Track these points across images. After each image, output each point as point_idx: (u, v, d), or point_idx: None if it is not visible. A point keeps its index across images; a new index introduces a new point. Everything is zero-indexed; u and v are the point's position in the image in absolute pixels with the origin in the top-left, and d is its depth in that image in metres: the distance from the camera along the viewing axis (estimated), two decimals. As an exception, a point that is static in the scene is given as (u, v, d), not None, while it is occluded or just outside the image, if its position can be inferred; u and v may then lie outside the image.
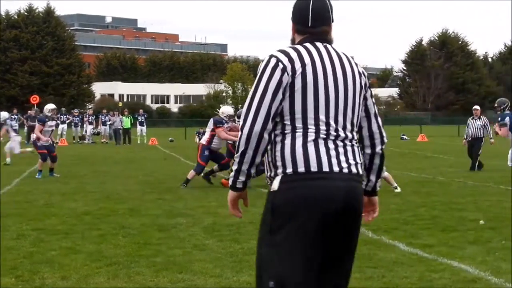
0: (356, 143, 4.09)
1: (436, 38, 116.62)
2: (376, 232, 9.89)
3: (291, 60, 3.96)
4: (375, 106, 4.26)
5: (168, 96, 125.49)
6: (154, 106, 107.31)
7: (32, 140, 19.21)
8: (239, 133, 3.97)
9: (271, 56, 4.00)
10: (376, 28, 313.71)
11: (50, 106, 20.09)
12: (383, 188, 15.69)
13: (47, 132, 19.37)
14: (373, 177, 4.32)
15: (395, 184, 15.37)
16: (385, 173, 15.98)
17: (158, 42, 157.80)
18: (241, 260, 8.16)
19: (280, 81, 3.92)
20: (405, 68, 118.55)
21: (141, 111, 47.75)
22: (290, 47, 4.07)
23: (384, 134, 4.30)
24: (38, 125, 19.46)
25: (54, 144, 19.84)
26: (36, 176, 18.77)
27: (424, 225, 10.62)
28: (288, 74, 3.93)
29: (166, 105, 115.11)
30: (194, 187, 16.22)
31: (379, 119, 4.27)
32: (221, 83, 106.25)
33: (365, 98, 4.18)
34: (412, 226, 10.59)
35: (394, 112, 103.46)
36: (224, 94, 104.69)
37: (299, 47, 4.05)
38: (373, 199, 4.39)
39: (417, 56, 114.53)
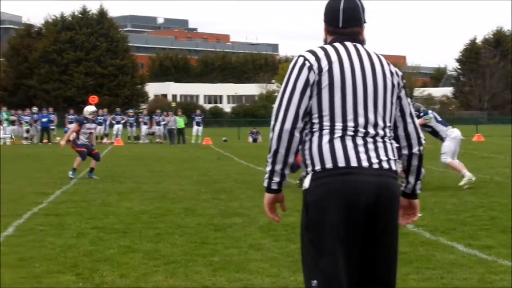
0: (390, 140, 4.05)
1: (491, 36, 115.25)
2: (434, 233, 9.81)
3: (317, 59, 3.99)
4: (410, 106, 4.23)
5: (220, 96, 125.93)
6: (207, 106, 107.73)
7: (71, 138, 19.17)
8: (271, 133, 4.00)
9: (299, 56, 4.05)
10: (429, 27, 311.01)
11: (91, 109, 19.98)
12: (439, 187, 15.62)
13: (84, 134, 19.15)
14: (412, 179, 4.28)
15: (464, 171, 15.48)
16: (456, 161, 16.05)
17: (209, 43, 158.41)
18: (297, 260, 8.14)
19: (307, 80, 3.95)
20: (459, 67, 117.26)
21: (198, 111, 48.00)
22: (318, 46, 4.11)
23: (421, 135, 4.26)
24: (75, 125, 19.48)
25: (94, 145, 19.77)
26: (70, 174, 18.63)
27: (482, 226, 10.49)
28: (314, 72, 3.95)
29: (218, 105, 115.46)
30: (249, 187, 16.25)
31: (415, 119, 4.24)
32: (273, 83, 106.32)
33: (399, 98, 4.16)
34: (470, 227, 10.47)
35: (449, 112, 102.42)
36: (276, 94, 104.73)
37: (327, 46, 4.08)
38: (413, 202, 4.33)
39: (472, 55, 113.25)
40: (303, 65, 3.98)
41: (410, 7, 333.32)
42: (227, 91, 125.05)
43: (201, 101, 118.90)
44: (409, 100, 4.23)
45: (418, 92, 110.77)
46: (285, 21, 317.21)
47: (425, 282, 7.19)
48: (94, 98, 42.02)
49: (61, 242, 9.26)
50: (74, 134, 19.22)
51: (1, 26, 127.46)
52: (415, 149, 4.23)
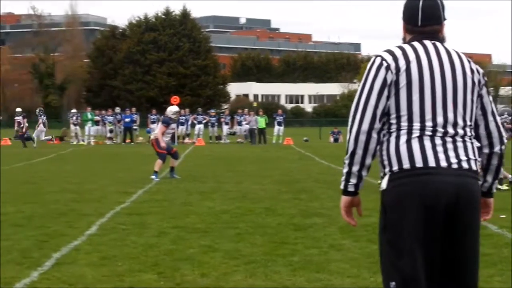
0: (470, 140, 3.97)
1: None
2: (518, 234, 9.60)
3: (395, 58, 3.94)
4: (492, 104, 4.15)
5: (302, 96, 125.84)
6: (289, 106, 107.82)
7: (153, 138, 19.25)
8: (348, 134, 3.96)
9: (376, 56, 4.01)
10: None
11: (174, 109, 19.90)
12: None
13: (168, 134, 19.23)
14: (489, 178, 4.21)
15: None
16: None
17: (291, 42, 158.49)
18: (378, 261, 7.99)
19: (385, 80, 3.91)
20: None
21: (280, 111, 48.03)
22: (396, 46, 4.06)
23: (503, 133, 4.18)
24: (161, 126, 19.23)
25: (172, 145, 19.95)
26: (154, 178, 18.36)
27: None
28: (392, 72, 3.91)
29: (300, 105, 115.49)
30: (329, 187, 16.18)
31: (497, 117, 4.15)
32: (354, 83, 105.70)
33: (480, 96, 4.08)
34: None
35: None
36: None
37: (405, 45, 4.03)
38: (488, 201, 4.25)
39: None
40: (380, 65, 3.95)
41: (496, 4, 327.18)
42: (308, 91, 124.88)
43: (282, 101, 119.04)
44: (490, 98, 4.15)
45: (504, 91, 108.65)
46: (368, 20, 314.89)
47: (509, 284, 7.05)
48: (175, 99, 42.42)
49: (142, 241, 9.38)
50: (154, 135, 19.42)
51: (87, 27, 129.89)
52: (496, 148, 4.15)
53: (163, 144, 18.53)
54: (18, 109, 44.59)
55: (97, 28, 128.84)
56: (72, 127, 44.49)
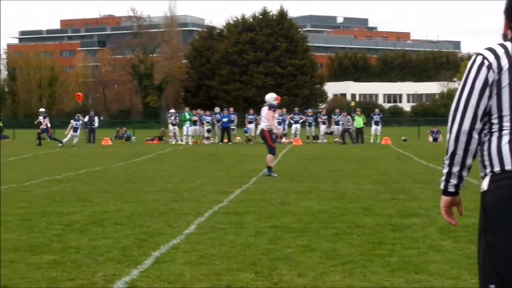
0: None
1: None
2: None
3: (497, 57, 3.82)
4: None
5: (400, 95, 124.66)
6: (386, 105, 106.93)
7: (265, 129, 19.38)
8: (448, 134, 3.89)
9: (477, 55, 3.89)
10: None
11: (273, 95, 20.28)
12: None
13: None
14: None
15: None
16: None
17: (389, 41, 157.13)
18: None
19: (486, 79, 3.80)
20: None
21: (377, 110, 47.65)
22: (497, 44, 3.92)
23: None
24: (269, 111, 19.54)
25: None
26: (272, 175, 19.05)
27: None
28: (494, 71, 3.79)
29: (398, 104, 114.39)
30: (428, 187, 15.95)
31: None
32: (454, 81, 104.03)
33: None
34: None
35: None
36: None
37: (507, 43, 3.90)
38: None
39: None
40: (481, 64, 3.84)
41: None
42: (406, 90, 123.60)
43: (380, 100, 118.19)
44: None
45: None
46: (468, 18, 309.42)
47: None
48: (278, 99, 42.46)
49: (240, 240, 9.42)
50: (264, 125, 19.62)
51: (185, 28, 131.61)
52: None
53: (275, 131, 18.75)
54: (42, 109, 45.36)
55: (195, 29, 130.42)
56: (170, 127, 45.10)
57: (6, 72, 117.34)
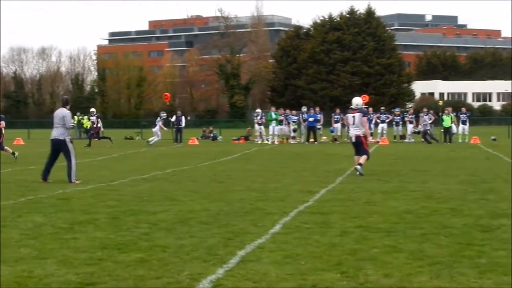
0: None
1: None
2: None
3: None
4: None
5: (490, 94, 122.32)
6: (475, 104, 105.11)
7: (361, 134, 19.64)
8: None
9: None
10: None
11: (355, 100, 20.21)
12: None
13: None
14: None
15: None
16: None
17: (479, 39, 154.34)
18: None
19: None
20: None
21: (463, 109, 46.86)
22: None
23: None
24: (364, 118, 19.79)
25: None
26: (361, 173, 19.18)
27: None
28: None
29: (487, 103, 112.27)
30: (518, 188, 15.59)
31: None
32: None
33: None
34: None
35: None
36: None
37: None
38: None
39: None
40: None
41: None
42: (497, 89, 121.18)
43: (469, 99, 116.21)
44: None
45: None
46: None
47: None
48: (365, 97, 42.21)
49: (325, 240, 9.38)
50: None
51: (272, 28, 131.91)
52: None
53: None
54: (92, 109, 45.80)
55: (282, 29, 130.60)
56: (256, 126, 45.24)
57: (96, 73, 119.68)
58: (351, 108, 19.97)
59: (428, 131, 42.11)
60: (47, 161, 18.20)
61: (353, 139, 19.82)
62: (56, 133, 17.94)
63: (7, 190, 16.00)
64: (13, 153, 26.72)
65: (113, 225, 10.78)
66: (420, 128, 45.05)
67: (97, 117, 43.74)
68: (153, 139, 41.74)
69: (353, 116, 19.76)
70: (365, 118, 19.88)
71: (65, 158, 17.97)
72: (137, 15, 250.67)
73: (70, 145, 18.02)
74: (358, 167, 19.35)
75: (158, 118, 43.44)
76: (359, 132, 19.79)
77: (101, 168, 20.41)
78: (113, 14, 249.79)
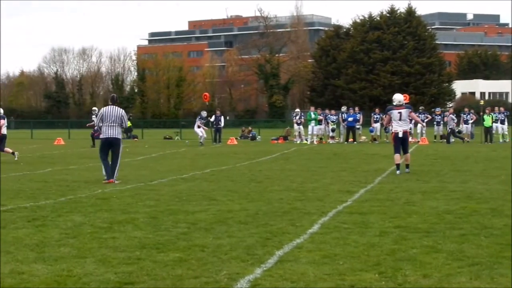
0: None
1: None
2: None
3: None
4: None
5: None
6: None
7: (409, 130, 20.01)
8: None
9: None
10: None
11: (398, 97, 20.31)
12: None
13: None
14: None
15: None
16: None
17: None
18: None
19: None
20: None
21: (501, 108, 46.42)
22: None
23: None
24: (412, 113, 20.10)
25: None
26: (397, 172, 19.21)
27: None
28: None
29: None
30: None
31: None
32: None
33: None
34: None
35: None
36: None
37: None
38: None
39: None
40: None
41: None
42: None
43: (510, 99, 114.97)
44: None
45: None
46: None
47: None
48: (405, 97, 41.97)
49: (364, 240, 9.34)
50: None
51: (312, 28, 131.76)
52: None
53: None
54: (94, 108, 45.54)
55: (322, 28, 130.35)
56: (295, 126, 45.19)
57: (136, 73, 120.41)
58: (394, 105, 19.97)
59: (455, 130, 41.78)
60: (105, 161, 18.07)
61: (400, 134, 19.89)
62: (114, 132, 17.93)
63: (47, 189, 16.17)
64: (13, 153, 26.82)
65: (151, 224, 10.83)
66: (461, 127, 44.72)
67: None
68: (201, 137, 42.07)
69: (399, 112, 19.87)
70: (413, 113, 20.26)
71: (114, 157, 18.00)
72: (177, 16, 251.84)
73: (121, 145, 18.17)
74: (407, 170, 19.81)
75: (198, 117, 43.63)
76: (406, 128, 20.07)
77: (140, 168, 20.59)
78: (153, 15, 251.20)
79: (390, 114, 20.04)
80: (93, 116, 41.76)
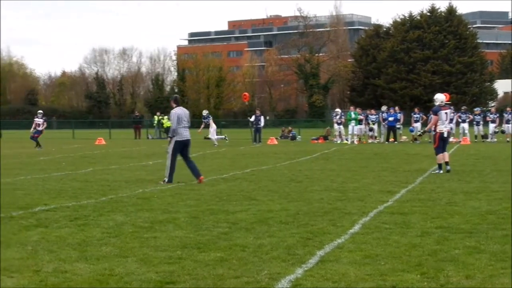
0: None
1: None
2: None
3: None
4: None
5: None
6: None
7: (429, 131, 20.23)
8: None
9: None
10: None
11: (442, 97, 20.66)
12: None
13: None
14: None
15: None
16: None
17: None
18: None
19: None
20: None
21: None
22: None
23: None
24: (434, 116, 20.22)
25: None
26: (438, 172, 19.24)
27: None
28: None
29: None
30: None
31: None
32: None
33: None
34: None
35: None
36: None
37: None
38: None
39: None
40: None
41: None
42: None
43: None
44: None
45: None
46: None
47: None
48: (446, 96, 41.65)
49: (405, 240, 9.28)
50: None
51: (351, 27, 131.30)
52: None
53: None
54: (40, 111, 44.08)
55: (361, 28, 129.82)
56: (336, 126, 45.05)
57: (176, 73, 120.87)
58: (439, 105, 20.22)
59: (497, 129, 41.47)
60: (187, 163, 18.13)
61: (445, 134, 20.12)
62: (188, 133, 18.03)
63: (89, 189, 16.30)
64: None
65: (192, 224, 10.86)
66: (504, 127, 44.25)
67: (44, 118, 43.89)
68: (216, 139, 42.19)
69: (446, 113, 20.22)
70: (434, 117, 20.41)
71: (188, 157, 18.05)
72: (217, 16, 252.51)
73: None
74: (448, 167, 19.95)
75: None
76: (449, 128, 20.64)
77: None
78: (193, 15, 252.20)
79: (439, 115, 20.06)
80: (36, 118, 40.79)
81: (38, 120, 40.45)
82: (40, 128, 40.30)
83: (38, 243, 9.37)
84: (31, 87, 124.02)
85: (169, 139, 18.24)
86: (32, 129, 40.32)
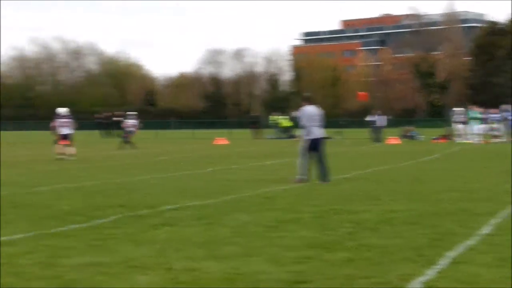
0: None
1: None
2: None
3: None
4: None
5: None
6: None
7: None
8: None
9: None
10: None
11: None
12: None
13: None
14: None
15: None
16: None
17: None
18: None
19: None
20: None
21: None
22: None
23: None
24: None
25: None
26: None
27: None
28: None
29: None
30: None
31: None
32: None
33: None
34: None
35: None
36: None
37: None
38: None
39: None
40: None
41: None
42: None
43: None
44: None
45: None
46: None
47: None
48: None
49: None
50: None
51: (465, 25, 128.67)
52: None
53: None
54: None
55: (476, 25, 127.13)
56: (457, 125, 44.27)
57: (291, 73, 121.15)
58: None
59: None
60: (317, 164, 18.02)
61: None
62: (320, 132, 18.05)
63: (210, 188, 16.46)
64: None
65: (318, 224, 10.82)
66: None
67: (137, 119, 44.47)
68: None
69: None
70: None
71: (321, 157, 17.98)
72: (329, 15, 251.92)
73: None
74: None
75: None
76: None
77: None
78: (306, 14, 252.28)
79: None
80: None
81: (130, 122, 41.80)
82: (132, 129, 41.55)
83: (166, 241, 9.50)
84: (149, 88, 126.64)
85: (292, 138, 18.27)
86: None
